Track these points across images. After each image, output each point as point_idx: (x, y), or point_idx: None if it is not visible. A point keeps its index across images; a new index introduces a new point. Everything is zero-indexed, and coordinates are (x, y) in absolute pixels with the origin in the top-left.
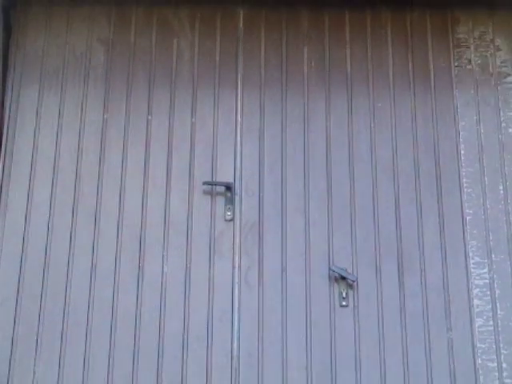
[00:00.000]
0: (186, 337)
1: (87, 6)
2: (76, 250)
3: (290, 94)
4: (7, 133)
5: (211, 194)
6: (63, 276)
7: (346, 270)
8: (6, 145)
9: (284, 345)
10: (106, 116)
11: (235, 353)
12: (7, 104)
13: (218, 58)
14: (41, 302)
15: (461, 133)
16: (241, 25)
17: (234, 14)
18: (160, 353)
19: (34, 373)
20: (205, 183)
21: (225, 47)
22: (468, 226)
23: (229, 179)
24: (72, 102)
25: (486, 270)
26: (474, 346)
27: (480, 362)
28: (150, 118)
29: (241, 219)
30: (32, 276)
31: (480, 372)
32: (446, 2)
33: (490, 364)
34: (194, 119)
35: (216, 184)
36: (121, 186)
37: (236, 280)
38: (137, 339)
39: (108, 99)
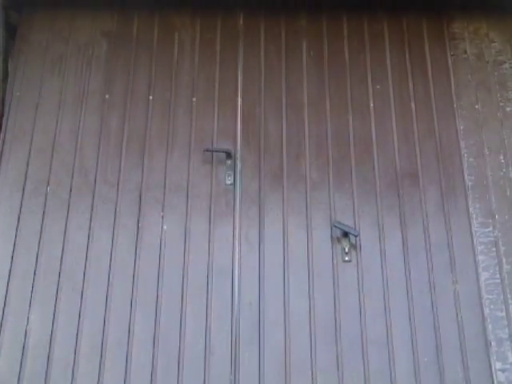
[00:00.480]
0: (185, 289)
1: (91, 2)
2: (73, 213)
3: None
4: (9, 109)
5: (211, 161)
6: (61, 234)
7: (348, 226)
8: (7, 119)
9: (286, 296)
10: (107, 96)
11: (235, 304)
12: (10, 87)
13: (218, 48)
14: (37, 257)
15: (459, 110)
16: (241, 22)
17: (234, 15)
18: (158, 305)
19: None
20: (205, 150)
21: (225, 38)
22: (470, 191)
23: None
24: (73, 84)
25: (490, 229)
26: (481, 298)
27: (488, 311)
28: (150, 98)
29: (241, 184)
30: (29, 235)
31: (488, 321)
32: (440, 3)
33: (499, 313)
34: (194, 99)
35: (216, 151)
36: (121, 155)
37: (236, 237)
38: (134, 292)
39: (109, 80)
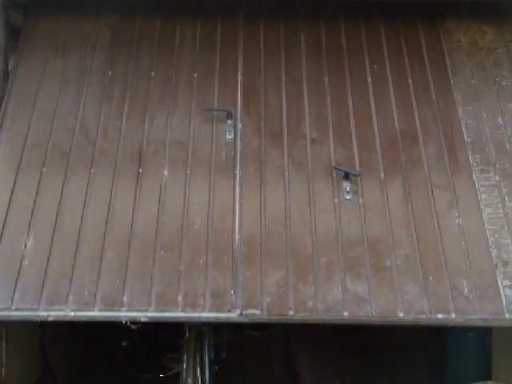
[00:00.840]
0: (184, 229)
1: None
2: (72, 163)
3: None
4: (13, 81)
5: (212, 120)
6: (60, 181)
7: (348, 168)
8: (10, 88)
9: (287, 228)
10: (109, 72)
11: (237, 236)
12: (14, 65)
13: (219, 38)
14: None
15: (455, 84)
16: (241, 17)
17: (235, 16)
18: (156, 244)
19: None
20: (206, 110)
21: (225, 35)
22: (470, 146)
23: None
24: (77, 63)
25: (491, 175)
26: (485, 229)
27: (493, 239)
28: (152, 74)
29: (242, 140)
30: (28, 183)
31: (493, 247)
32: (433, 4)
33: (504, 241)
34: (195, 74)
35: (217, 110)
36: (121, 118)
37: (237, 182)
38: (133, 228)
39: (112, 60)
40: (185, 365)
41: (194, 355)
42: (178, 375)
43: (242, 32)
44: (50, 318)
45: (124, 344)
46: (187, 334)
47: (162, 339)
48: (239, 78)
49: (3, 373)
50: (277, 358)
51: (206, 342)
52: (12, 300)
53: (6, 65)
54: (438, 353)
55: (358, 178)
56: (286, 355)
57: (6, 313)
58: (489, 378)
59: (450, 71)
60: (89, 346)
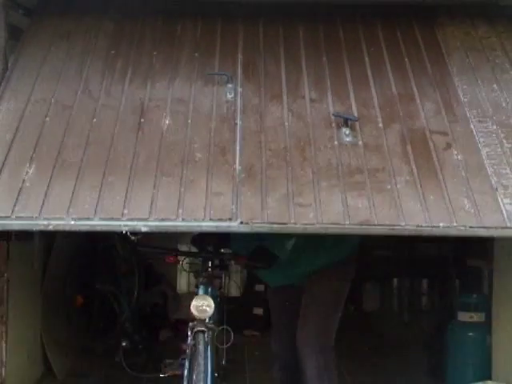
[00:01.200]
0: (185, 161)
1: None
2: (74, 116)
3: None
4: (16, 62)
5: (213, 83)
6: (62, 128)
7: (347, 114)
8: (13, 68)
9: (287, 161)
10: (112, 52)
11: (237, 166)
12: (17, 51)
13: (219, 30)
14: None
15: (451, 61)
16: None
17: (234, 21)
18: (158, 170)
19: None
20: (208, 74)
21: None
22: (467, 104)
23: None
24: (81, 45)
25: (489, 124)
26: (484, 163)
27: (492, 170)
28: (155, 53)
29: (242, 100)
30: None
31: (493, 176)
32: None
33: (503, 171)
34: (196, 54)
35: (218, 74)
36: (124, 83)
37: (238, 128)
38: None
39: (115, 43)
40: (186, 371)
41: (198, 361)
42: (178, 375)
43: (242, 28)
44: (51, 227)
45: (124, 344)
46: (190, 339)
47: (162, 341)
48: (239, 56)
49: (3, 373)
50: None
51: (209, 348)
52: (13, 211)
53: (6, 65)
54: (438, 353)
55: (358, 125)
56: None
57: (6, 221)
58: (489, 377)
59: (444, 52)
60: (89, 344)
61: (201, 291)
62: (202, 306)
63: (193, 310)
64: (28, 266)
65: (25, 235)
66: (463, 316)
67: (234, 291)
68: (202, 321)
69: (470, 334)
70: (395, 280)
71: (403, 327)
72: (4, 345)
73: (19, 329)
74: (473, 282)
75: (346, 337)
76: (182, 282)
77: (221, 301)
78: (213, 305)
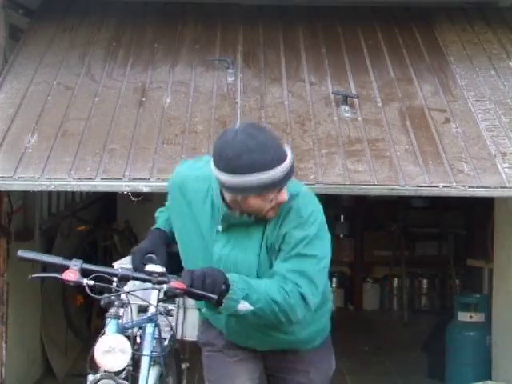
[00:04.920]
0: (186, 132)
1: None
2: (75, 96)
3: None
4: (20, 47)
5: (214, 69)
6: (63, 107)
7: (346, 92)
8: (15, 57)
9: (287, 133)
10: (114, 43)
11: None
12: (21, 43)
13: (219, 25)
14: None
15: (448, 51)
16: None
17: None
18: (159, 139)
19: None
20: (208, 59)
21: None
22: (464, 86)
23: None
24: (83, 37)
25: (486, 102)
26: (483, 134)
27: (490, 140)
28: (156, 45)
29: (242, 82)
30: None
31: (491, 144)
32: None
33: (501, 140)
34: (197, 45)
35: (218, 59)
36: (125, 68)
37: (238, 105)
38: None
39: (117, 35)
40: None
41: None
42: None
43: (242, 23)
44: (52, 187)
45: None
46: None
47: None
48: (240, 48)
49: (3, 373)
50: None
51: None
52: (15, 172)
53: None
54: (438, 353)
55: (357, 103)
56: None
57: (8, 182)
58: (489, 378)
59: (442, 45)
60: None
61: (111, 328)
62: (112, 349)
63: (97, 356)
64: (28, 266)
65: (25, 235)
66: (463, 316)
67: (191, 333)
68: (110, 376)
69: (470, 333)
70: (395, 280)
71: (403, 327)
72: (4, 345)
73: (19, 329)
74: (473, 281)
75: (346, 337)
76: None
77: (175, 351)
78: (129, 350)
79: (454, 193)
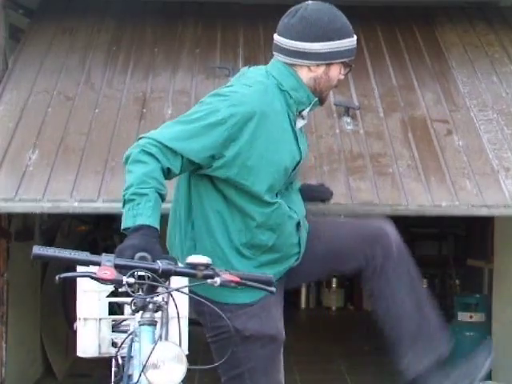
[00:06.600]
0: None
1: None
2: (76, 107)
3: None
4: (20, 50)
5: (214, 77)
6: (63, 119)
7: (348, 102)
8: (17, 54)
9: None
10: (114, 48)
11: None
12: (20, 46)
13: (219, 27)
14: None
15: (449, 55)
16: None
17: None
18: None
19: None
20: (209, 67)
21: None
22: (467, 94)
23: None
24: (82, 40)
25: (489, 112)
26: (485, 147)
27: (493, 154)
28: (156, 50)
29: None
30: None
31: (494, 159)
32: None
33: (504, 154)
34: (198, 50)
35: (219, 67)
36: (126, 76)
37: None
38: None
39: (117, 38)
40: None
41: None
42: None
43: (243, 24)
44: (54, 210)
45: None
46: None
47: None
48: (240, 51)
49: (3, 373)
50: None
51: None
52: (16, 193)
53: (6, 65)
54: None
55: (359, 115)
56: None
57: (9, 204)
58: (489, 377)
59: (443, 47)
60: None
61: (147, 337)
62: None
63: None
64: (28, 266)
65: (25, 235)
66: (463, 316)
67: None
68: None
69: (470, 334)
70: None
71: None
72: (4, 345)
73: (19, 329)
74: (473, 281)
75: (346, 337)
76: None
77: None
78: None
79: (456, 212)
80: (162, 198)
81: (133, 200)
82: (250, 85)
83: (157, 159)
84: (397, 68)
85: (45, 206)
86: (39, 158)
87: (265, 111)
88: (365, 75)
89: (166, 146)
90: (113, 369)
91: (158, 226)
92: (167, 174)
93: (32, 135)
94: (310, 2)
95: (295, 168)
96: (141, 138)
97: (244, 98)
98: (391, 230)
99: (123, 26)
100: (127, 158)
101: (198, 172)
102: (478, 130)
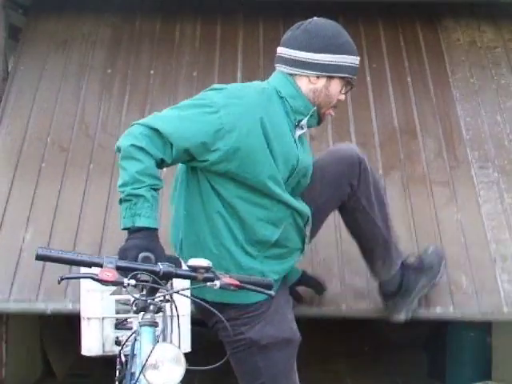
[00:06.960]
0: None
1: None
2: (71, 158)
3: None
4: (13, 78)
5: None
6: (59, 176)
7: None
8: (10, 85)
9: None
10: (109, 71)
11: None
12: (14, 64)
13: (218, 37)
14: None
15: (454, 83)
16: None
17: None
18: None
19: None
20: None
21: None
22: (468, 142)
23: None
24: (77, 60)
25: (490, 171)
26: (484, 224)
27: (491, 234)
28: (152, 72)
29: None
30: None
31: (492, 241)
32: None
33: (502, 236)
34: (195, 73)
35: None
36: (121, 114)
37: None
38: None
39: (112, 58)
40: None
41: None
42: None
43: (242, 31)
44: (49, 311)
45: None
46: None
47: None
48: (239, 74)
49: (3, 373)
50: None
51: None
52: (10, 292)
53: (6, 65)
54: (438, 353)
55: None
56: None
57: (3, 305)
58: (489, 378)
59: (448, 69)
60: None
61: (147, 337)
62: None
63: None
64: None
65: None
66: None
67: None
68: None
69: (470, 334)
70: None
71: (403, 327)
72: (4, 345)
73: (19, 329)
74: None
75: (345, 337)
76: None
77: None
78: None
79: (451, 317)
80: (159, 191)
81: (129, 200)
82: (249, 85)
83: (149, 154)
84: (399, 100)
85: (39, 307)
86: (34, 236)
87: (262, 105)
88: (366, 116)
89: (157, 130)
90: (117, 366)
91: (157, 226)
92: (160, 164)
93: (25, 209)
94: (315, 18)
95: (293, 172)
96: (133, 125)
97: (241, 93)
98: (357, 152)
99: (119, 35)
100: (118, 149)
101: (192, 164)
102: (478, 197)
